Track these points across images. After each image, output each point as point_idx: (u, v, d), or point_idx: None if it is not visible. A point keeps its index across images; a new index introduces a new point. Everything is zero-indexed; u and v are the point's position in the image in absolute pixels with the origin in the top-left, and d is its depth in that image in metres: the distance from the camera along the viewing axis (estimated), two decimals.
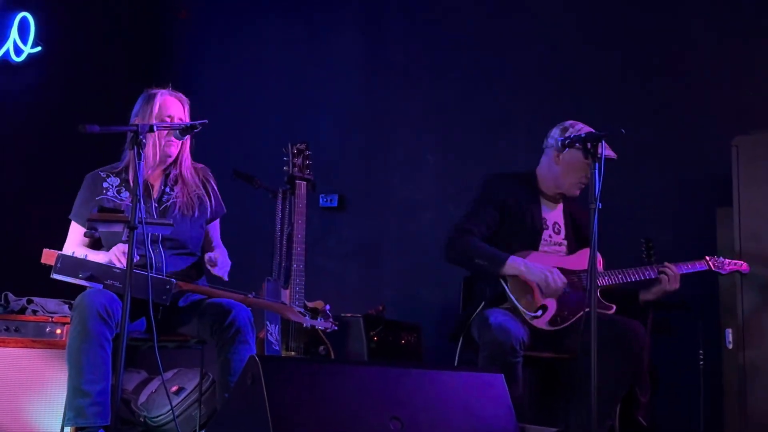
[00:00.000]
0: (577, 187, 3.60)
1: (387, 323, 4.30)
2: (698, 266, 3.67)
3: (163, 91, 3.23)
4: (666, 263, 3.57)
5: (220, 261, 3.12)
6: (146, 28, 5.82)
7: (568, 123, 3.58)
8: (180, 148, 3.24)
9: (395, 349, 4.29)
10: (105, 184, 3.20)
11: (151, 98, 3.20)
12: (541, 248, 3.58)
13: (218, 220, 3.42)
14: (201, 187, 3.31)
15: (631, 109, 4.63)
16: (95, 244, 3.21)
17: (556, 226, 3.65)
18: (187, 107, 3.27)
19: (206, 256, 3.16)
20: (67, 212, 3.25)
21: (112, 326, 2.85)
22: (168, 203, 3.23)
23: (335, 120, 5.36)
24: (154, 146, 3.16)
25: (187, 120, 3.23)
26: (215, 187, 3.38)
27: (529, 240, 3.57)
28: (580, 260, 3.55)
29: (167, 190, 3.25)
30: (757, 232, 3.77)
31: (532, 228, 3.58)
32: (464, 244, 3.50)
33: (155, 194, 3.23)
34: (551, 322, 3.42)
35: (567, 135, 3.48)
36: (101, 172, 3.24)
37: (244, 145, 5.42)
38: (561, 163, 3.58)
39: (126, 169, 3.22)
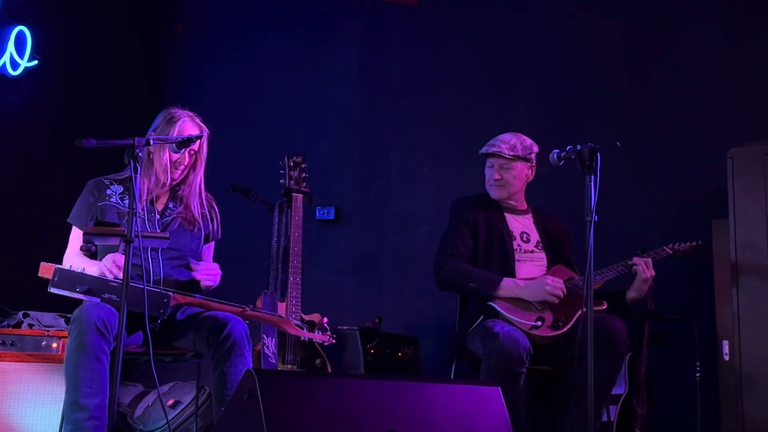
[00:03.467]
0: (492, 191, 3.73)
1: (383, 336, 4.30)
2: (662, 253, 3.70)
3: (185, 117, 3.25)
4: (633, 257, 3.63)
5: (200, 266, 3.16)
6: (144, 41, 5.84)
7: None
8: (188, 170, 3.27)
9: (392, 362, 4.28)
10: (108, 191, 3.22)
11: (172, 121, 3.22)
12: (516, 257, 3.64)
13: (213, 244, 3.45)
14: (205, 208, 3.36)
15: (626, 122, 4.64)
16: (94, 253, 3.22)
17: (524, 235, 3.72)
18: (205, 135, 3.28)
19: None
20: (63, 226, 3.25)
21: (110, 340, 2.85)
22: (170, 217, 3.26)
23: (332, 133, 5.37)
24: (164, 168, 3.19)
25: (204, 150, 3.27)
26: (218, 214, 3.43)
27: (501, 251, 3.64)
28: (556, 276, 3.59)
29: (171, 205, 3.29)
30: (753, 243, 3.77)
31: (501, 239, 3.66)
32: (454, 270, 3.58)
33: (159, 207, 3.27)
34: (553, 326, 3.44)
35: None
36: (104, 179, 3.27)
37: (240, 158, 5.43)
38: None
39: (130, 178, 3.24)
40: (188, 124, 3.24)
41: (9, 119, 4.78)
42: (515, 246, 3.67)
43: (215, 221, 3.40)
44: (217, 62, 5.78)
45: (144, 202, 3.21)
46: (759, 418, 3.64)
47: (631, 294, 3.64)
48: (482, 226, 3.67)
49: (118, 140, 2.80)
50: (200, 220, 3.31)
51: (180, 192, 3.30)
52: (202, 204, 3.34)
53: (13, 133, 4.79)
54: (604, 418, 3.57)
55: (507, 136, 3.73)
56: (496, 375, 3.19)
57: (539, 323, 3.43)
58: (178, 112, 3.27)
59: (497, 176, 3.70)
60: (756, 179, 3.80)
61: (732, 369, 3.77)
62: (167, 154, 3.19)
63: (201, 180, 3.33)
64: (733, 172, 3.85)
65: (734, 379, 3.75)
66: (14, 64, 4.76)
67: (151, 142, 2.86)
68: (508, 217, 3.74)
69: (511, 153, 3.67)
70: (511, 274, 3.60)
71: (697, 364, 3.83)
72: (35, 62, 4.85)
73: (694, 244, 3.77)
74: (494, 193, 3.73)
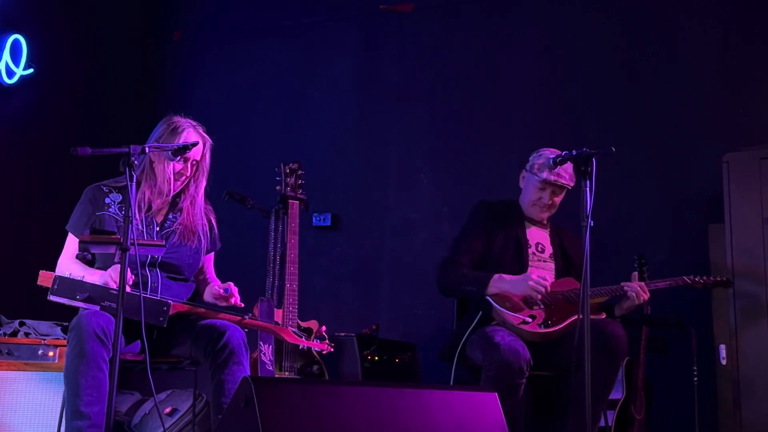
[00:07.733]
0: (536, 210, 3.68)
1: (381, 342, 4.29)
2: (679, 281, 3.66)
3: (189, 128, 3.21)
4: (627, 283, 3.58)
5: (235, 294, 3.12)
6: (140, 49, 5.84)
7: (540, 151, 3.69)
8: (189, 181, 3.25)
9: (390, 369, 4.28)
10: (107, 200, 3.18)
11: (176, 131, 3.18)
12: (530, 264, 3.63)
13: (213, 254, 3.43)
14: (204, 220, 3.33)
15: (622, 126, 4.65)
16: (89, 261, 3.20)
17: (539, 245, 3.72)
18: (208, 145, 3.25)
19: (219, 290, 3.15)
20: (60, 234, 3.24)
21: (110, 347, 2.83)
22: (170, 229, 3.23)
23: (328, 139, 5.38)
24: (167, 178, 3.16)
25: (206, 160, 3.23)
26: (215, 225, 3.40)
27: (516, 255, 3.64)
28: (561, 286, 3.58)
29: (171, 216, 3.26)
30: (749, 247, 3.78)
31: (518, 245, 3.65)
32: (451, 276, 3.60)
33: (159, 218, 3.24)
34: (543, 324, 3.43)
35: (531, 161, 3.66)
36: (103, 186, 3.22)
37: (236, 165, 5.42)
38: (523, 187, 3.67)
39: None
40: (192, 134, 3.19)
41: (4, 127, 4.77)
42: (530, 252, 3.67)
43: (213, 233, 3.36)
44: (214, 70, 5.78)
45: (143, 214, 3.18)
46: (757, 423, 3.64)
47: (617, 312, 3.65)
48: (500, 232, 3.66)
49: (114, 148, 2.80)
50: (200, 233, 3.27)
51: (180, 203, 3.27)
52: (201, 216, 3.31)
53: (8, 142, 4.79)
54: (602, 424, 3.57)
55: (568, 166, 3.46)
56: (495, 385, 3.17)
57: (529, 320, 3.43)
58: (181, 121, 3.22)
59: (549, 201, 3.64)
60: (752, 183, 3.81)
61: (729, 374, 3.78)
62: (171, 165, 3.14)
63: (202, 191, 3.30)
64: (729, 176, 3.86)
65: (732, 383, 3.75)
66: (10, 73, 4.76)
67: (147, 150, 2.85)
68: (528, 228, 3.73)
69: (572, 183, 3.60)
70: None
71: (695, 369, 3.83)
72: (31, 70, 4.85)
73: (718, 279, 3.73)
74: (541, 215, 3.68)
